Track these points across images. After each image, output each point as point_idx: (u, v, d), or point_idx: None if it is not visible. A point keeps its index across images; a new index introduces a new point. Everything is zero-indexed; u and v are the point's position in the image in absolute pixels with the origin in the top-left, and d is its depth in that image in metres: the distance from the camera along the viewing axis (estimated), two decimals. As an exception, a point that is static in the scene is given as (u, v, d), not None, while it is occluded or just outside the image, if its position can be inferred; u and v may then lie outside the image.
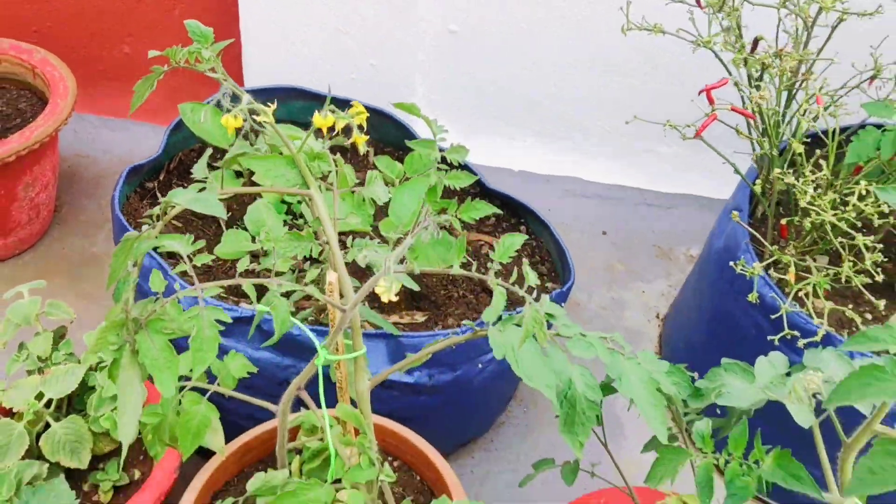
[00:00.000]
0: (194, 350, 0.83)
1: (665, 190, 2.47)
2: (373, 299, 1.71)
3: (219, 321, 0.86)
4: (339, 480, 1.10)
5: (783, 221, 1.60)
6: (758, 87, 1.51)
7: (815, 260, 1.58)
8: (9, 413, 1.51)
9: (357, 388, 1.06)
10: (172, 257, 1.66)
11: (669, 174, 2.44)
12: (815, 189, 1.41)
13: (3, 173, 1.92)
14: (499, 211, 1.55)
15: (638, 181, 2.45)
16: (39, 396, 1.49)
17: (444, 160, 1.37)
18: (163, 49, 0.95)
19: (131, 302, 0.85)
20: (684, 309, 2.02)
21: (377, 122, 2.00)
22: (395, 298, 1.39)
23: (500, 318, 1.01)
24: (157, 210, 0.88)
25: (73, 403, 1.56)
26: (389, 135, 2.04)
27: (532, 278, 0.93)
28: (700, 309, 1.87)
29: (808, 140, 1.58)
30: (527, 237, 1.60)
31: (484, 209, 1.43)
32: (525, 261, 1.10)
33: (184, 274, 1.48)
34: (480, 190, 1.93)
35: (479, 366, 1.62)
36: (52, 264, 2.17)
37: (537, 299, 0.92)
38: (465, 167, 1.86)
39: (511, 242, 0.98)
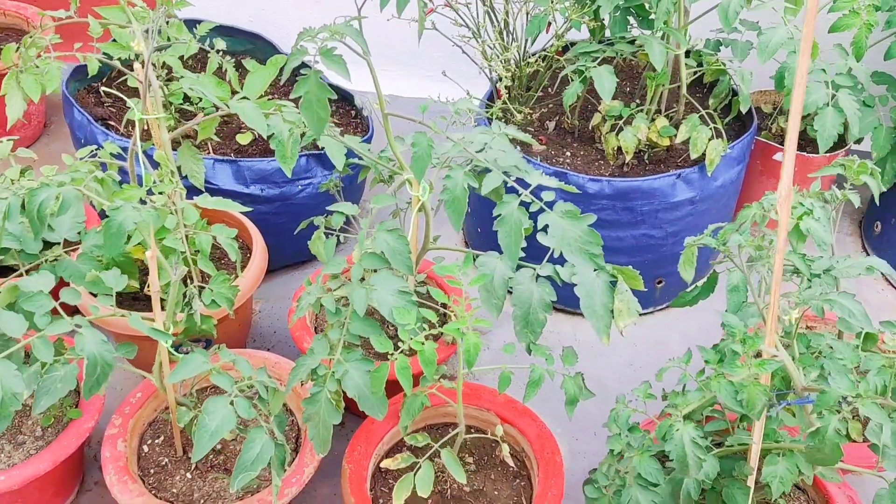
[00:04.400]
0: (38, 76, 1.66)
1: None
2: (238, 151, 2.53)
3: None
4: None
5: (499, 86, 2.39)
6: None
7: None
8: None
9: (162, 138, 1.87)
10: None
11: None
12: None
13: (1, 84, 2.80)
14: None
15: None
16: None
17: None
18: None
19: (21, 63, 1.68)
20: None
21: (261, 45, 2.84)
22: (245, 142, 2.20)
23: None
24: None
25: (33, 209, 2.40)
26: (267, 52, 2.87)
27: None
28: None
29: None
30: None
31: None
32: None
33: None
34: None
35: (299, 186, 2.42)
36: (42, 157, 3.04)
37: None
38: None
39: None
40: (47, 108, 3.21)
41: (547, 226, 1.42)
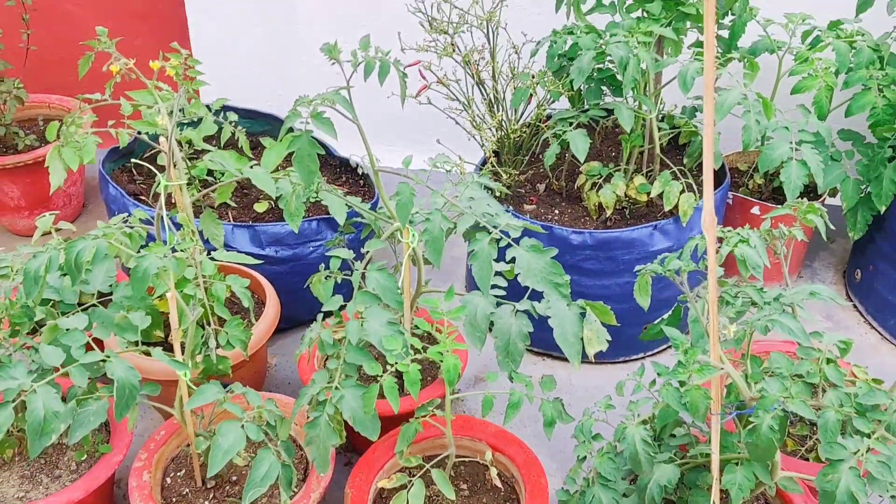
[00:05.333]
0: (77, 149, 1.91)
1: (496, 174, 3.49)
2: (256, 219, 2.77)
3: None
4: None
5: (488, 153, 2.62)
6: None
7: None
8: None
9: (184, 202, 2.12)
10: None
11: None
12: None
13: (42, 168, 3.09)
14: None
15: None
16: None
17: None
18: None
19: (63, 139, 1.94)
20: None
21: (278, 125, 3.13)
22: (262, 210, 2.44)
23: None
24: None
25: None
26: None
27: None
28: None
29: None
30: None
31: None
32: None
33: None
34: (337, 159, 3.02)
35: (311, 248, 2.65)
36: (81, 232, 3.31)
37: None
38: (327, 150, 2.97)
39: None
40: (86, 189, 3.51)
41: (514, 258, 1.62)
